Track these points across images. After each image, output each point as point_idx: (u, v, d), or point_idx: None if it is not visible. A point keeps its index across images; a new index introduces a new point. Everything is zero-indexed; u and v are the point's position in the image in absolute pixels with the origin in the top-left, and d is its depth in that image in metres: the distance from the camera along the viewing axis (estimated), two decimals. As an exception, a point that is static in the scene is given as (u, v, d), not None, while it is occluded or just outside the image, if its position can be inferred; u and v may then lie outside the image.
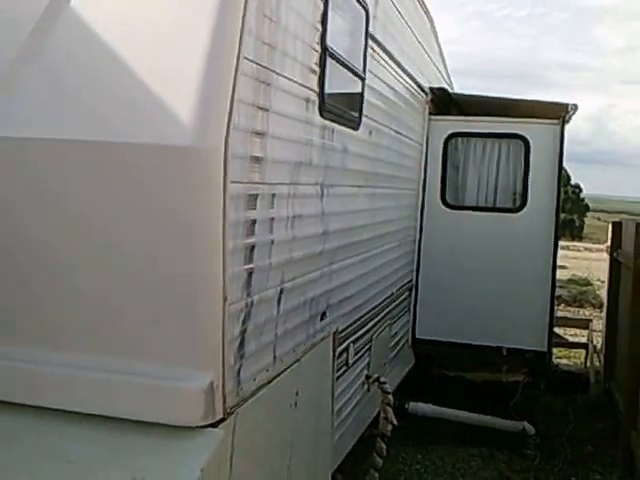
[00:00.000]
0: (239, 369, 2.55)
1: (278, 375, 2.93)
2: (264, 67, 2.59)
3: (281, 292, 2.95)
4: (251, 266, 2.61)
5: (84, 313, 2.31)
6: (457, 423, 5.94)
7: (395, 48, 4.81)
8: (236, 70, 2.31)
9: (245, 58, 2.38)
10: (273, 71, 2.68)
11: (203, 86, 2.24)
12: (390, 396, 4.46)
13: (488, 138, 6.35)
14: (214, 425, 2.36)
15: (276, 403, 2.95)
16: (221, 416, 2.40)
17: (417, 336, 6.40)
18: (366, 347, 4.57)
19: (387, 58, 4.64)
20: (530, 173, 6.10)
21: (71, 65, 2.34)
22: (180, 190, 2.26)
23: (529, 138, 6.12)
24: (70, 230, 2.30)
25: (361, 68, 3.94)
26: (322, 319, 3.55)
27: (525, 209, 6.16)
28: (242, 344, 2.57)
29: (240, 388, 2.57)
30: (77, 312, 2.31)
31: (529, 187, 6.12)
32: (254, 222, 2.63)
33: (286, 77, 2.83)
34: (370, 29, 4.06)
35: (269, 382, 2.83)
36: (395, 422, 4.39)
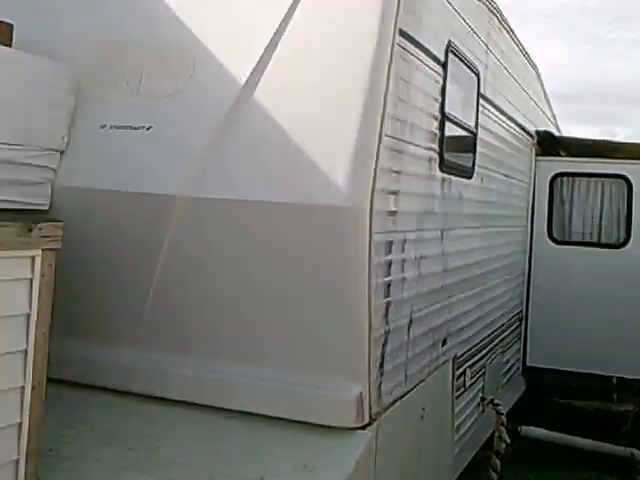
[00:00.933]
0: (380, 384, 3.15)
1: (408, 391, 3.51)
2: (398, 139, 3.21)
3: (410, 321, 3.53)
4: (388, 299, 3.21)
5: (278, 338, 2.98)
6: (567, 447, 6.25)
7: (503, 101, 5.35)
8: (378, 145, 2.94)
9: (385, 135, 3.01)
10: (404, 141, 3.30)
11: (355, 159, 2.88)
12: (504, 417, 4.94)
13: (592, 177, 6.75)
14: (362, 428, 2.96)
15: (407, 414, 3.51)
16: (367, 421, 2.99)
17: (528, 364, 6.79)
18: (481, 372, 5.07)
19: (496, 112, 5.18)
20: (633, 211, 6.46)
21: (259, 141, 3.04)
22: (337, 240, 2.90)
23: (631, 178, 6.49)
24: (271, 270, 2.98)
25: (473, 125, 4.51)
26: (443, 345, 4.10)
27: (629, 244, 6.51)
28: (382, 364, 3.16)
29: (380, 400, 3.15)
30: (273, 337, 2.98)
31: (632, 224, 6.47)
32: (390, 263, 3.23)
33: (413, 144, 3.44)
34: (481, 90, 4.63)
35: (402, 397, 3.41)
36: (508, 440, 4.86)
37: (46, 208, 3.24)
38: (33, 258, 2.53)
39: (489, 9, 4.77)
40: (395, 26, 3.05)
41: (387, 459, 3.17)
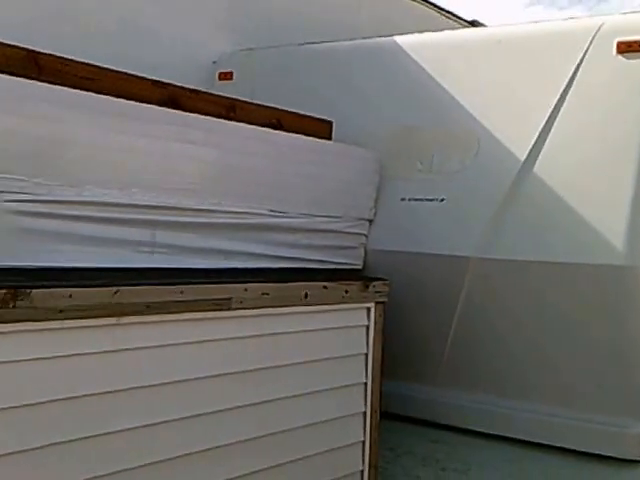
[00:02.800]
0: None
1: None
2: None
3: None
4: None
5: (584, 385, 3.43)
6: None
7: None
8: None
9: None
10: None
11: (631, 223, 3.29)
12: None
13: None
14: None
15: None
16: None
17: None
18: None
19: None
20: None
21: (540, 209, 3.54)
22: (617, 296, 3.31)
23: None
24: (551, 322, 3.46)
25: None
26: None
27: None
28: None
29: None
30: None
31: None
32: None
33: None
34: None
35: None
36: None
37: (360, 267, 3.95)
38: (369, 309, 3.22)
39: None
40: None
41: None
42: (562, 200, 3.50)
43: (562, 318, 3.41)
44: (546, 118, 3.66)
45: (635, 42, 3.52)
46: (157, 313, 2.26)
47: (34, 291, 1.92)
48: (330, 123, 3.99)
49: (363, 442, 3.17)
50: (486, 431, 3.57)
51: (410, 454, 3.58)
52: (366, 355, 3.20)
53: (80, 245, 2.62)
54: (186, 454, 2.44)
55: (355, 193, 3.94)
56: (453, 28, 7.05)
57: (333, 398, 3.06)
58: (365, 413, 3.18)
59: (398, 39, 4.25)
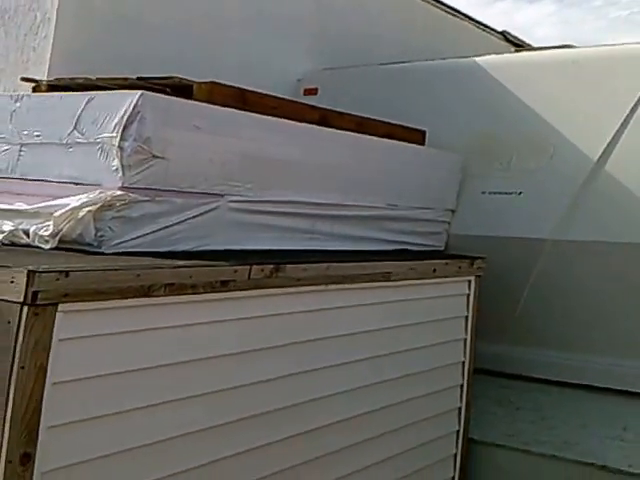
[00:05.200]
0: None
1: None
2: None
3: None
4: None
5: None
6: None
7: None
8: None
9: None
10: None
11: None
12: None
13: None
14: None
15: None
16: None
17: None
18: None
19: None
20: None
21: (610, 200, 4.41)
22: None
23: None
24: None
25: None
26: None
27: None
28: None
29: None
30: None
31: None
32: None
33: None
34: None
35: None
36: None
37: (442, 249, 4.86)
38: (470, 281, 4.14)
39: None
40: None
41: None
42: (632, 193, 4.34)
43: (624, 288, 4.31)
44: (616, 128, 4.48)
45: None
46: (350, 282, 3.20)
47: (288, 266, 2.85)
48: (424, 132, 4.88)
49: (461, 385, 4.10)
50: (552, 378, 4.49)
51: (485, 397, 4.47)
52: (466, 317, 4.13)
53: (269, 232, 3.54)
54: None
55: (443, 189, 4.85)
56: (486, 39, 8.00)
57: (443, 350, 3.99)
58: (464, 362, 4.12)
59: (478, 59, 5.13)
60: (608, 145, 4.48)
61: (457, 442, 4.04)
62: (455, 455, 4.03)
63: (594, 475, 3.86)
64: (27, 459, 1.99)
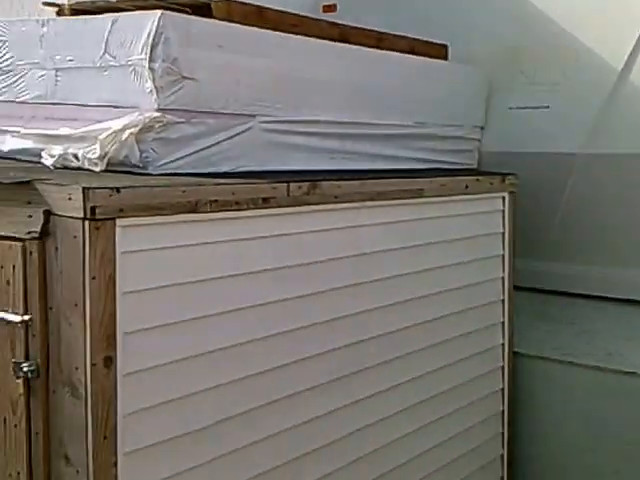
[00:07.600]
0: None
1: None
2: None
3: None
4: None
5: None
6: None
7: None
8: None
9: None
10: None
11: None
12: None
13: None
14: None
15: None
16: None
17: None
18: None
19: None
20: None
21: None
22: None
23: None
24: None
25: None
26: None
27: None
28: None
29: None
30: None
31: None
32: None
33: None
34: None
35: None
36: None
37: (474, 167, 4.76)
38: (504, 197, 4.05)
39: None
40: None
41: None
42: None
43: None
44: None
45: None
46: (383, 199, 3.13)
47: (323, 183, 2.78)
48: (446, 47, 4.73)
49: (503, 300, 4.06)
50: (593, 293, 4.44)
51: (526, 313, 4.43)
52: (503, 234, 4.05)
53: (301, 152, 3.45)
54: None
55: (470, 105, 4.72)
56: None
57: (482, 267, 3.93)
58: (503, 278, 4.06)
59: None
60: (632, 51, 4.32)
61: (503, 355, 4.05)
62: (502, 367, 4.06)
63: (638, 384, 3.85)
64: (109, 361, 2.11)
